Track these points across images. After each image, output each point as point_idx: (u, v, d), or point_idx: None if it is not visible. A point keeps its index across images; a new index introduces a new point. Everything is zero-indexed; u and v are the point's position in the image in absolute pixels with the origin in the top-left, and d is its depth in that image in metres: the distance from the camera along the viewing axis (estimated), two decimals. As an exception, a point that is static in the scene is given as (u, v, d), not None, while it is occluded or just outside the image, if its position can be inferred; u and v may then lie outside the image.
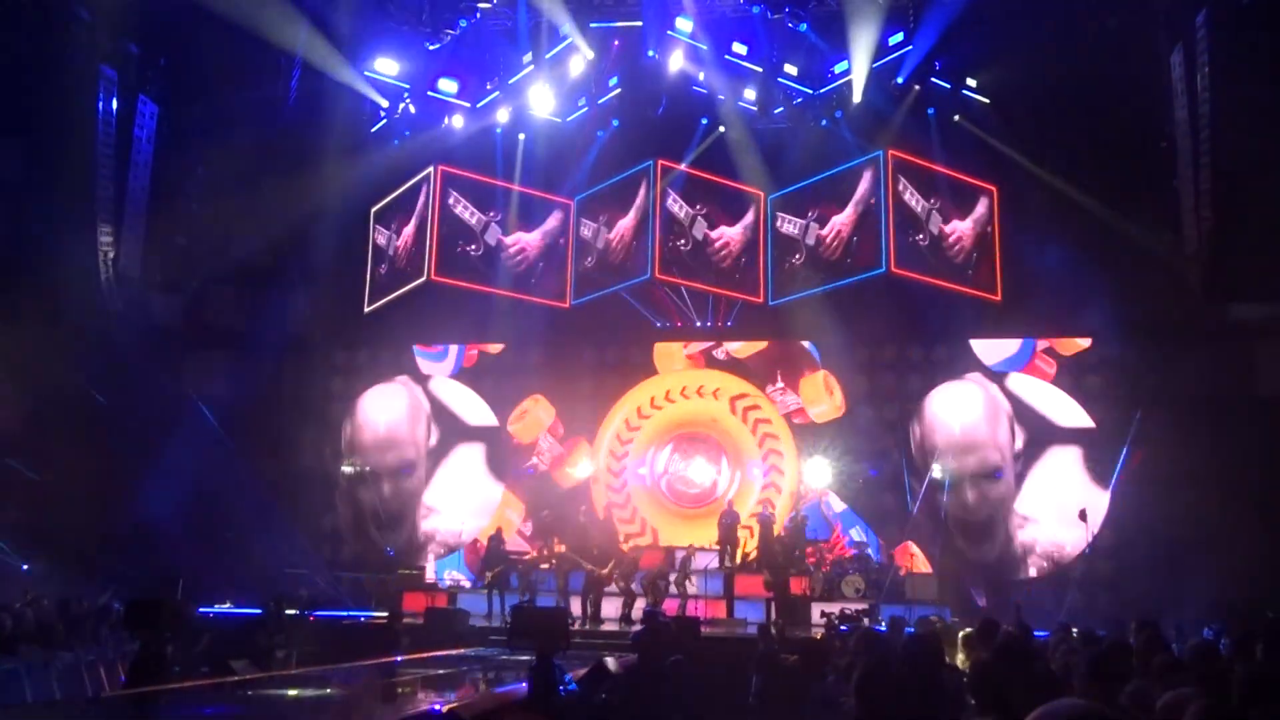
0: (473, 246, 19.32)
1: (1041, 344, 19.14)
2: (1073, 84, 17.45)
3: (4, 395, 17.24)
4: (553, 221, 20.05)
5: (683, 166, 19.42)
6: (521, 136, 20.39)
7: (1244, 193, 16.45)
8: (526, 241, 19.81)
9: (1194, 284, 17.45)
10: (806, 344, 20.14)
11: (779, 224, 19.25)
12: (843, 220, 18.40)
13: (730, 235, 19.23)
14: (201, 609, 15.80)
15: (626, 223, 19.29)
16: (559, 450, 20.61)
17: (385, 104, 20.08)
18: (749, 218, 19.37)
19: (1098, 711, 1.97)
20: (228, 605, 16.42)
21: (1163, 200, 17.89)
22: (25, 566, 17.03)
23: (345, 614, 16.05)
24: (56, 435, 17.52)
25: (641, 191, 19.09)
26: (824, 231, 18.61)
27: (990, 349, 19.38)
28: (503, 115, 20.14)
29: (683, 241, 19.11)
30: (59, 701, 8.79)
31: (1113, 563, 17.69)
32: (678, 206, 19.10)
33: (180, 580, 16.22)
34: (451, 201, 19.21)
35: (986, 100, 18.84)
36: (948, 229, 18.35)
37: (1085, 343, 18.86)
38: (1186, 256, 17.54)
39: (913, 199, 18.16)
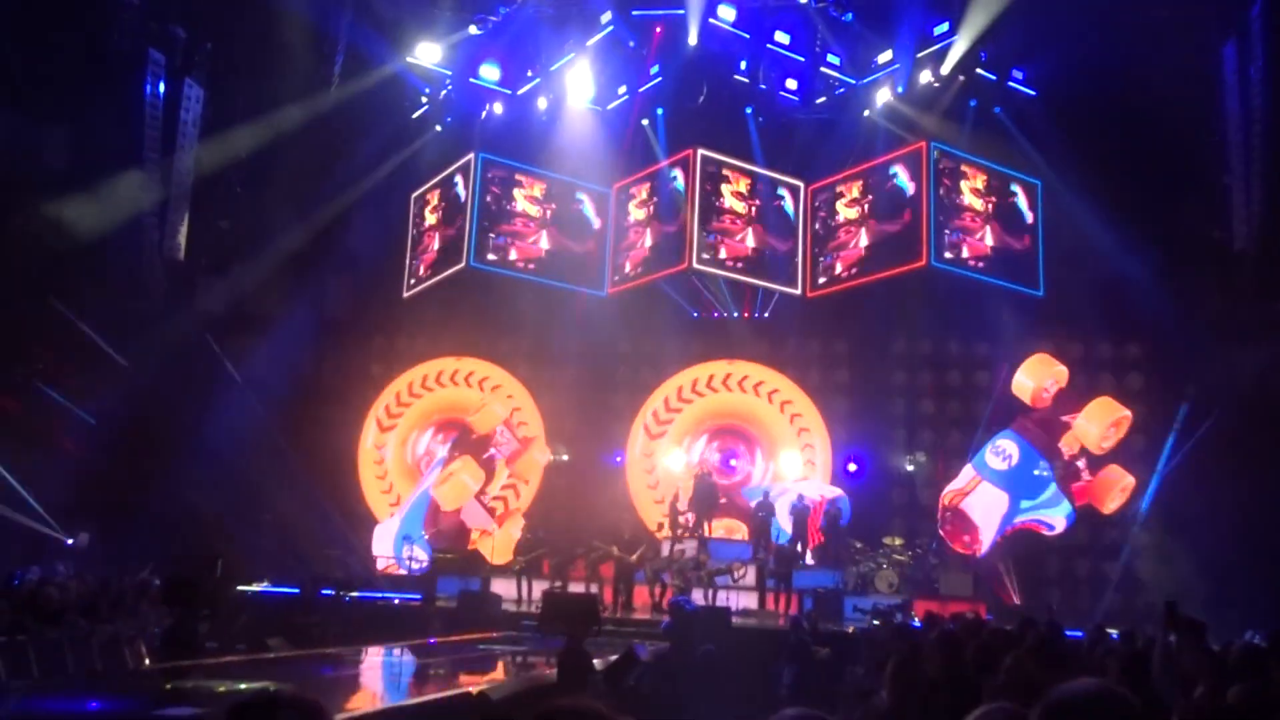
0: (512, 234, 19.36)
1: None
2: (1121, 75, 17.10)
3: (52, 376, 17.58)
4: (591, 209, 20.04)
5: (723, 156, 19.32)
6: (562, 124, 20.38)
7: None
8: (563, 228, 19.82)
9: (1244, 280, 17.09)
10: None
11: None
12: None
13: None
14: (240, 587, 16.05)
15: (664, 214, 19.23)
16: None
17: (427, 90, 20.16)
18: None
19: (1111, 692, 1.93)
20: (265, 584, 16.65)
21: (1212, 195, 17.54)
22: (70, 541, 17.37)
23: (380, 595, 16.20)
24: (103, 415, 17.84)
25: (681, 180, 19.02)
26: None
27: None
28: (543, 102, 20.14)
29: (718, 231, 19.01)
30: (100, 672, 8.96)
31: (1151, 563, 17.41)
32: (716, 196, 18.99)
33: (220, 559, 16.48)
34: (491, 188, 19.25)
35: (1032, 92, 18.53)
36: (990, 223, 18.10)
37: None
38: (1235, 252, 17.19)
39: (955, 191, 17.93)
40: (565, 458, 20.61)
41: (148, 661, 9.49)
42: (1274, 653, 6.29)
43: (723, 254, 18.85)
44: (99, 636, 9.52)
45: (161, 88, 18.74)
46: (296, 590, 15.02)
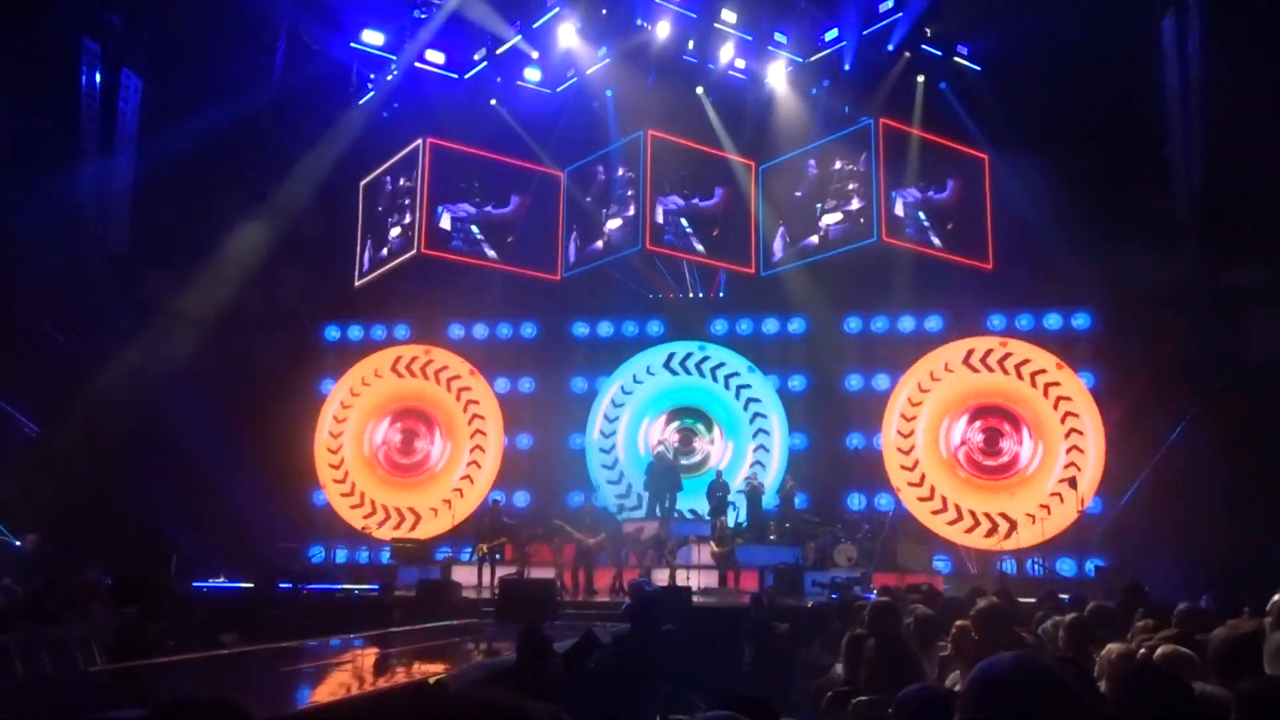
0: (462, 220, 19.19)
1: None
2: (1064, 50, 17.29)
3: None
4: (543, 192, 19.90)
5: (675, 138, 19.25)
6: (509, 109, 20.21)
7: (1235, 159, 16.38)
8: (515, 212, 19.67)
9: (1185, 250, 17.41)
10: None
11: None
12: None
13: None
14: (195, 584, 15.85)
15: (617, 194, 19.16)
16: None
17: (373, 76, 19.90)
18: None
19: (1041, 667, 1.83)
20: (221, 580, 16.46)
21: (1154, 167, 17.83)
22: (17, 543, 17.03)
23: (338, 587, 16.07)
24: (49, 413, 17.49)
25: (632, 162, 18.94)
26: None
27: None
28: (491, 87, 19.95)
29: (672, 211, 18.98)
30: (50, 675, 8.80)
31: (1102, 530, 17.75)
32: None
33: (174, 556, 16.28)
34: (440, 174, 19.06)
35: (977, 67, 18.71)
36: (938, 197, 18.26)
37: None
38: (1178, 223, 17.50)
39: (903, 167, 18.05)
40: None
41: (98, 663, 9.32)
42: (1220, 616, 6.43)
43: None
44: (47, 639, 9.35)
45: (98, 78, 18.30)
46: (250, 585, 14.87)
